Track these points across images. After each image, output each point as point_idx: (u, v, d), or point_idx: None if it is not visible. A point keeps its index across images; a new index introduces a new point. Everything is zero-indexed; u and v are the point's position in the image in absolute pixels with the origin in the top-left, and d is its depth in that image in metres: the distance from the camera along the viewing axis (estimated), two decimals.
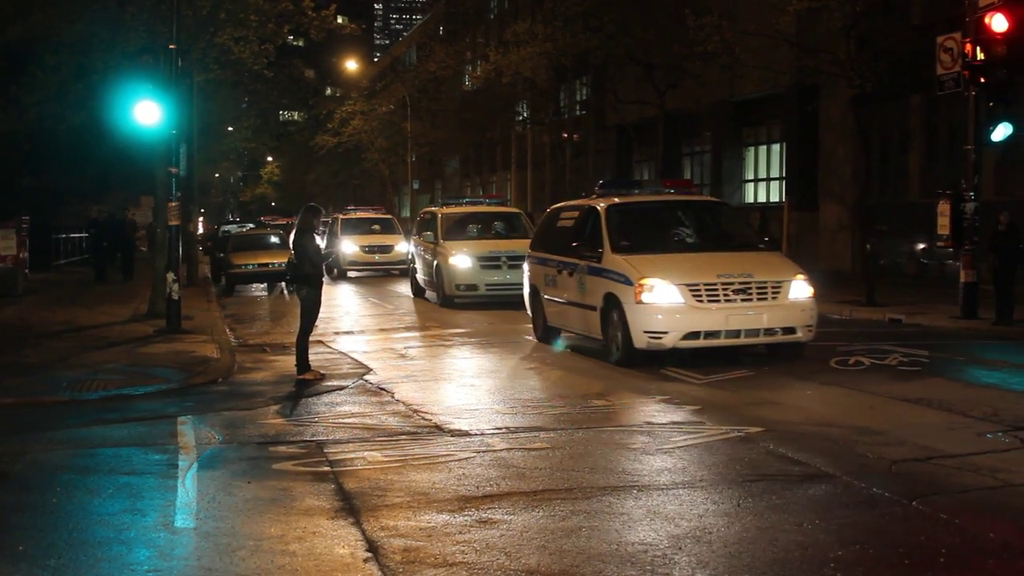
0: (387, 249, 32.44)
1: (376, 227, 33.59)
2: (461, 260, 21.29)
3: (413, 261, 24.92)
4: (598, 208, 14.29)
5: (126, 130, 18.56)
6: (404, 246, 31.02)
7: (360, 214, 35.64)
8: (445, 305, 21.40)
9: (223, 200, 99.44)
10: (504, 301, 20.29)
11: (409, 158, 61.76)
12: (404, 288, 26.63)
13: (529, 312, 16.35)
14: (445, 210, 23.91)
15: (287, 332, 16.63)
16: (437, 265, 21.87)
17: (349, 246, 31.81)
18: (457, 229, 22.70)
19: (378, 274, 32.91)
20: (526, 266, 16.54)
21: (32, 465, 8.42)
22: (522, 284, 18.79)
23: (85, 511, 7.04)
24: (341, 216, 34.89)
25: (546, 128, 50.89)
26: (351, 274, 32.74)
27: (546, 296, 15.38)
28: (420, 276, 23.90)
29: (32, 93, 20.84)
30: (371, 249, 32.36)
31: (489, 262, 21.24)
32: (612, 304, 12.93)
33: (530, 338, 16.06)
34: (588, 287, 13.69)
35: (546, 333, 15.57)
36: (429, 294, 23.36)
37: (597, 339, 13.69)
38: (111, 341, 16.20)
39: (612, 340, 13.05)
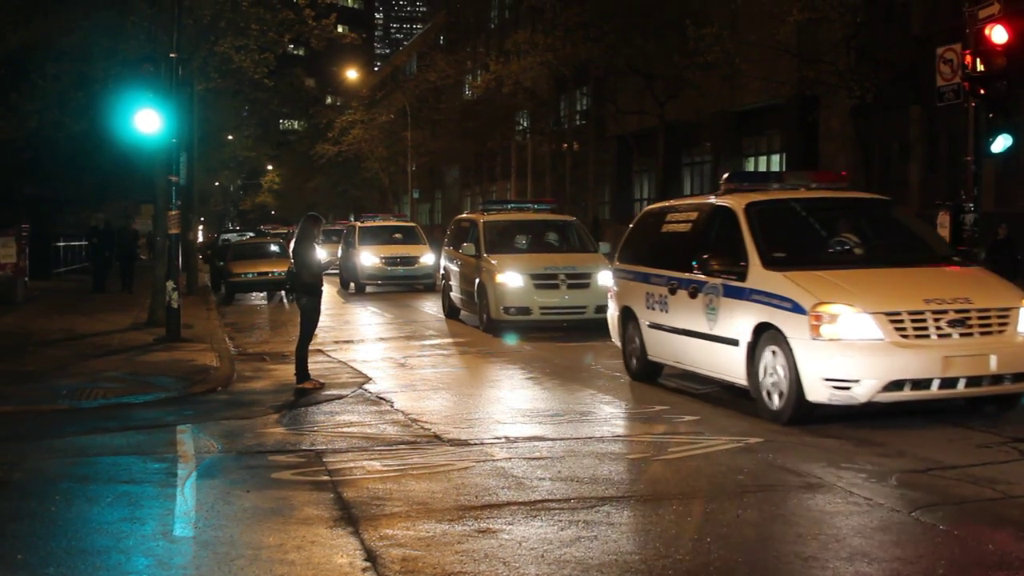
0: (411, 261, 29.02)
1: (398, 236, 30.27)
2: (511, 278, 17.90)
3: (446, 277, 21.30)
4: (732, 207, 10.88)
5: (126, 138, 18.63)
6: (430, 257, 28.44)
7: (380, 222, 32.25)
8: (489, 330, 18.09)
9: (223, 209, 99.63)
10: (558, 326, 18.15)
11: (409, 167, 61.90)
12: (431, 306, 23.73)
13: (617, 342, 13.11)
14: (487, 217, 20.25)
15: (286, 341, 16.63)
16: (480, 283, 18.54)
17: (368, 257, 28.77)
18: (502, 240, 19.33)
19: (400, 289, 29.38)
20: (612, 282, 13.49)
21: (31, 473, 8.42)
22: (583, 307, 17.49)
23: (84, 520, 7.03)
24: (359, 224, 31.39)
25: (546, 138, 51.06)
26: (369, 289, 29.63)
27: (647, 322, 12.02)
28: (455, 295, 20.50)
29: (33, 101, 20.93)
30: (393, 261, 28.87)
31: (545, 280, 17.90)
32: (768, 338, 9.73)
33: (607, 369, 13.44)
34: (724, 313, 10.42)
35: (645, 368, 12.28)
36: (466, 315, 20.16)
37: (733, 382, 10.56)
38: (110, 349, 16.20)
39: (766, 388, 9.82)
